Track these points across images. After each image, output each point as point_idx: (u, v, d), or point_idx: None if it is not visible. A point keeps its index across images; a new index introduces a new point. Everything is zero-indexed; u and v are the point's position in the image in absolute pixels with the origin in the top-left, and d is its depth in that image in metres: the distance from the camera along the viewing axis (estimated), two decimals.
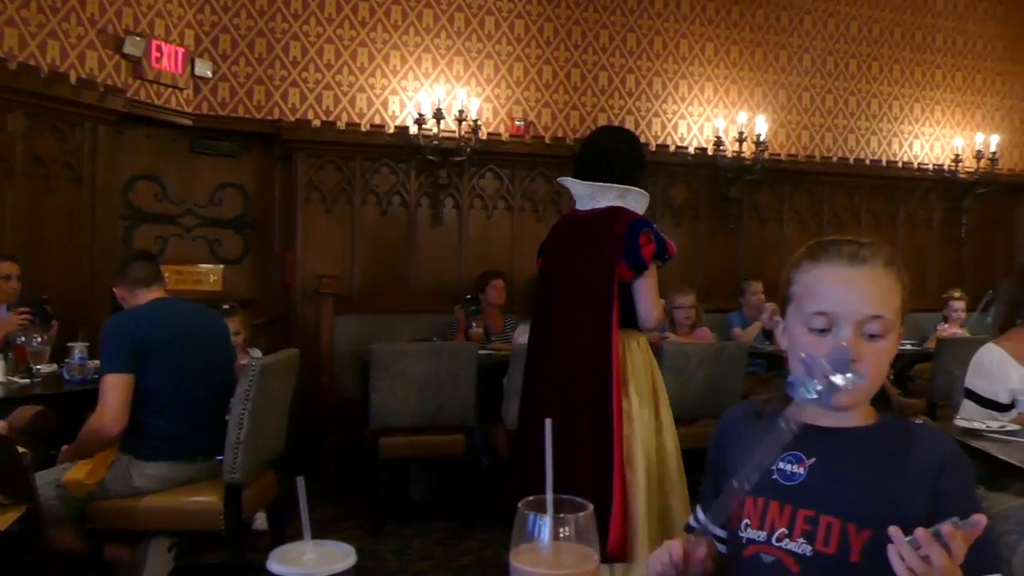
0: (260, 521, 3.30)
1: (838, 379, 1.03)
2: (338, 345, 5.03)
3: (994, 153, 6.56)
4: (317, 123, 5.27)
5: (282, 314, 5.26)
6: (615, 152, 2.62)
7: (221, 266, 5.26)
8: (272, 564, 0.83)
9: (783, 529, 1.08)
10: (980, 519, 0.89)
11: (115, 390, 2.58)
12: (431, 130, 5.24)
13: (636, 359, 2.56)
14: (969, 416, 2.53)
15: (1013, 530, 1.19)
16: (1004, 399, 2.50)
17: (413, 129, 5.29)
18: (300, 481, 0.87)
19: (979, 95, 7.06)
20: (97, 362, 2.96)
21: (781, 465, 1.12)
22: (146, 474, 2.69)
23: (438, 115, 5.21)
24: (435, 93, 5.36)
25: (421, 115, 5.25)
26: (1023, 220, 7.02)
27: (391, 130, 5.42)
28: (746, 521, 1.12)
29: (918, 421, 1.22)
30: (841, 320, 1.07)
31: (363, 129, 5.36)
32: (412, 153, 5.34)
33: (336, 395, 4.99)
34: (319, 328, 5.04)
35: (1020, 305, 2.61)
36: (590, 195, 2.60)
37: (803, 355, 1.08)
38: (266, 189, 5.35)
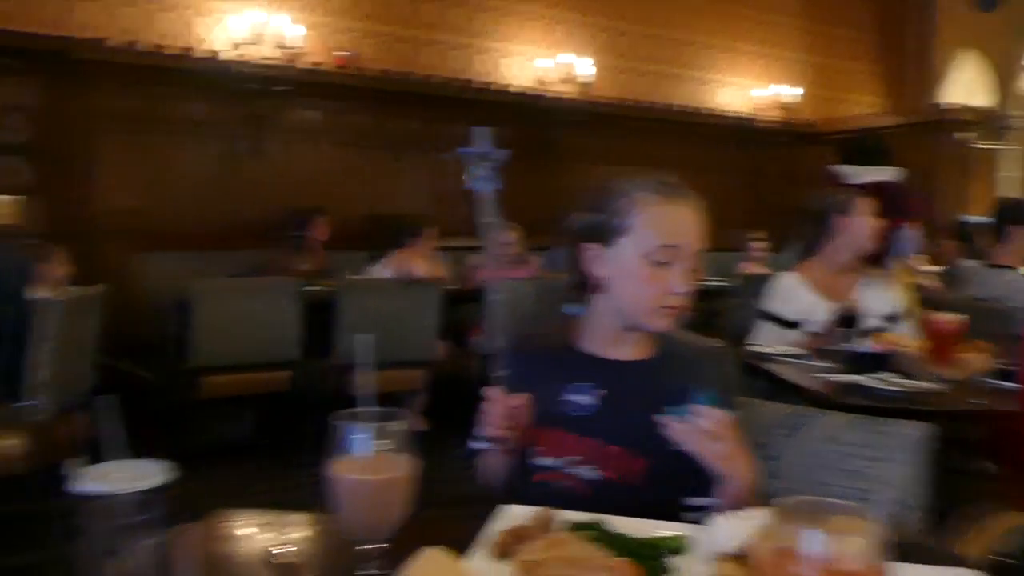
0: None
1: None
2: (145, 283, 4.71)
3: (791, 105, 7.14)
4: (115, 43, 4.81)
5: (83, 250, 4.83)
6: None
7: (9, 198, 4.72)
8: (79, 484, 0.80)
9: (574, 457, 1.17)
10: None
11: None
12: (247, 57, 4.94)
13: None
14: (760, 333, 2.83)
15: (785, 433, 1.39)
16: (791, 317, 2.83)
17: (228, 55, 4.96)
18: (107, 400, 0.84)
19: (779, 48, 7.62)
20: None
21: (571, 396, 1.21)
22: None
23: (255, 40, 4.91)
24: (250, 17, 5.04)
25: (235, 41, 4.93)
26: (813, 167, 7.71)
27: (201, 54, 5.05)
28: (539, 449, 1.20)
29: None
30: (685, 253, 1.19)
31: (168, 52, 4.96)
32: (228, 81, 5.02)
33: (140, 336, 4.67)
34: (123, 265, 4.69)
35: (812, 241, 2.95)
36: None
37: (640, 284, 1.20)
38: (57, 113, 4.82)
